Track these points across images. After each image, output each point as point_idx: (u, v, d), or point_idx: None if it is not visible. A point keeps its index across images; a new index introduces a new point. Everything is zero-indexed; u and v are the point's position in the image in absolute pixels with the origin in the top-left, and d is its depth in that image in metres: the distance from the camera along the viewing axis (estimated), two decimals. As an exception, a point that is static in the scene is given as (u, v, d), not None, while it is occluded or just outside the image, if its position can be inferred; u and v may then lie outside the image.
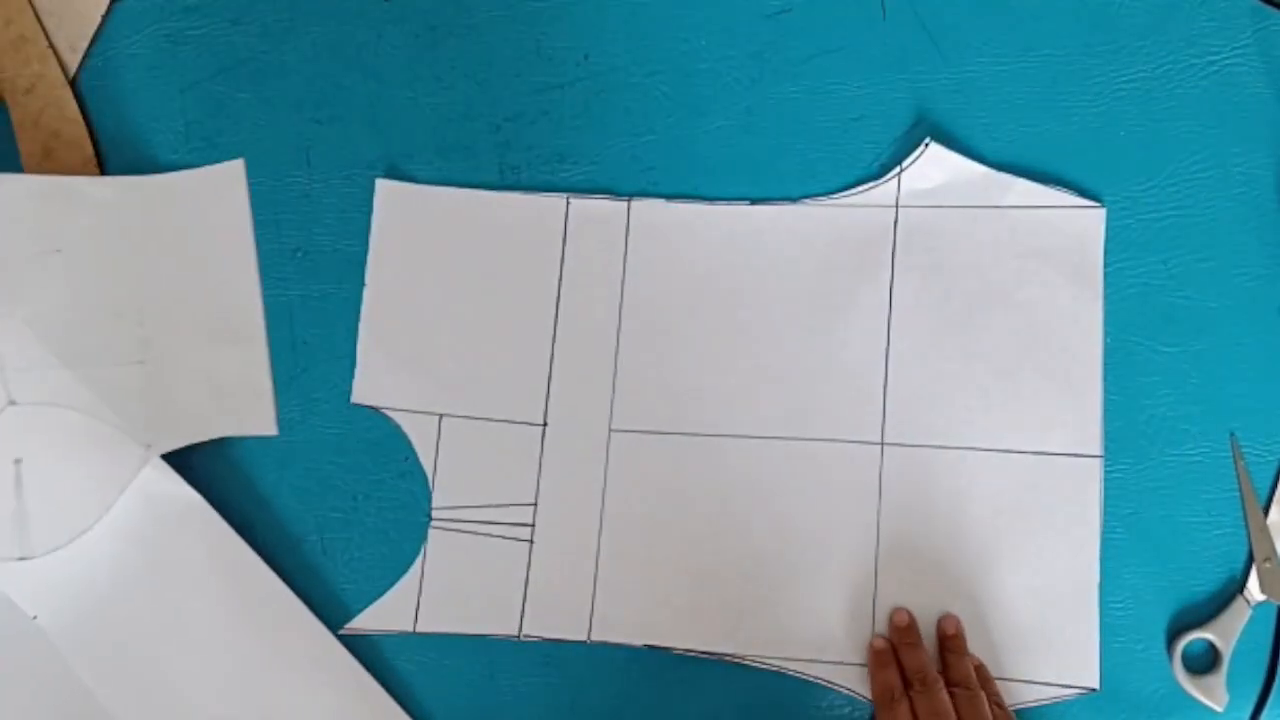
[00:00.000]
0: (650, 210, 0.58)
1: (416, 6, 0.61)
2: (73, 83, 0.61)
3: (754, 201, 0.57)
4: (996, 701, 0.50)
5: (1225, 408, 0.54)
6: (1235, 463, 0.53)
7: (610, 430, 0.56)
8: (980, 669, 0.52)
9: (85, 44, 0.61)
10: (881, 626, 0.53)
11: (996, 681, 0.52)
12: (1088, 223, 0.55)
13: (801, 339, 0.56)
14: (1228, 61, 0.56)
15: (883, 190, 0.56)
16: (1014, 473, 0.53)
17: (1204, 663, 0.53)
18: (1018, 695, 0.52)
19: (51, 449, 0.55)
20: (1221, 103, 0.55)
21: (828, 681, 0.53)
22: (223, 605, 0.55)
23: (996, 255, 0.55)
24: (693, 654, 0.54)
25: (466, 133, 0.59)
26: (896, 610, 0.53)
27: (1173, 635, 0.53)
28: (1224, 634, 0.52)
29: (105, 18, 0.62)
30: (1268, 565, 0.52)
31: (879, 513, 0.54)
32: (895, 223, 0.56)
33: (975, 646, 0.52)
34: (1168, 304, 0.55)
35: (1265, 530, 0.53)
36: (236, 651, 0.55)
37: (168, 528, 0.55)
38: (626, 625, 0.54)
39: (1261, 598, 0.52)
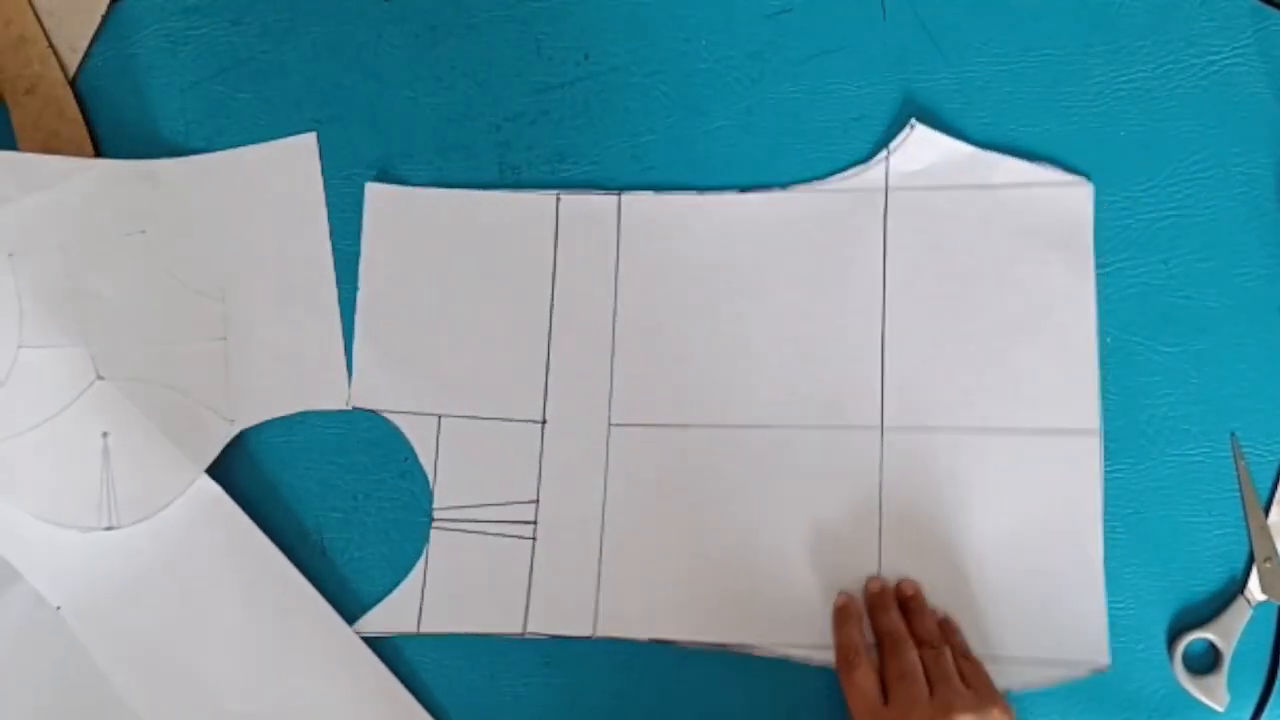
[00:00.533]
0: (640, 203, 0.58)
1: (416, 6, 0.61)
2: (73, 83, 0.61)
3: (744, 189, 0.57)
4: (963, 654, 0.50)
5: (1225, 408, 0.54)
6: (1236, 462, 0.53)
7: (610, 425, 0.56)
8: (945, 623, 0.52)
9: (85, 44, 0.61)
10: None
11: (988, 655, 0.52)
12: (1076, 198, 0.55)
13: (796, 325, 0.56)
14: (1228, 61, 0.56)
15: (871, 173, 0.56)
16: (1013, 451, 0.53)
17: (1205, 663, 0.53)
18: (1028, 676, 0.52)
19: (138, 423, 0.57)
20: (1221, 103, 0.55)
21: (836, 667, 0.53)
22: (243, 599, 0.56)
23: (987, 234, 0.55)
24: (698, 646, 0.54)
25: (466, 133, 0.59)
26: (871, 579, 0.53)
27: (1173, 635, 0.53)
28: (1225, 634, 0.52)
29: (105, 18, 0.62)
30: (1268, 565, 0.52)
31: (880, 497, 0.54)
32: (885, 205, 0.56)
33: (983, 628, 0.52)
34: (1168, 304, 0.55)
35: (1266, 530, 0.53)
36: (257, 645, 0.55)
37: (190, 520, 0.56)
38: (631, 620, 0.54)
39: (1262, 598, 0.52)
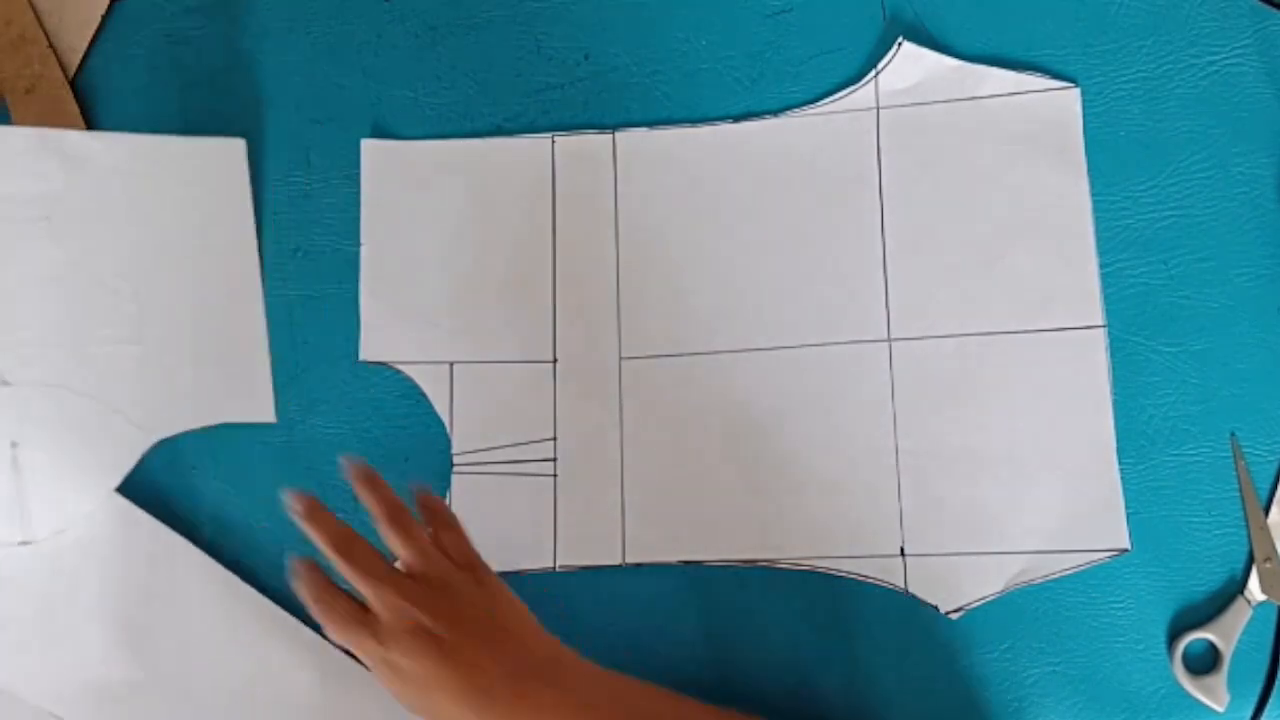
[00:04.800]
0: (635, 139, 0.58)
1: (416, 6, 0.61)
2: (73, 83, 0.61)
3: (736, 119, 0.58)
4: (458, 561, 0.47)
5: (1225, 408, 0.54)
6: (1236, 462, 0.53)
7: (620, 358, 0.57)
8: (433, 508, 0.48)
9: (85, 44, 0.61)
10: (909, 517, 0.54)
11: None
12: (1064, 103, 0.56)
13: (798, 248, 0.57)
14: (1228, 61, 0.56)
15: (861, 94, 0.57)
16: (1020, 352, 0.54)
17: (1205, 663, 0.53)
18: (1053, 565, 0.53)
19: (48, 432, 0.54)
20: (1221, 103, 0.55)
21: (861, 575, 0.54)
22: (212, 627, 0.54)
23: (979, 144, 0.56)
24: (727, 564, 0.55)
25: (467, 132, 0.59)
26: (305, 512, 0.47)
27: (1173, 635, 0.53)
28: (1225, 634, 0.52)
29: (105, 18, 0.62)
30: (1268, 565, 0.52)
31: (894, 406, 0.55)
32: (877, 123, 0.57)
33: (1004, 524, 0.53)
34: (1168, 304, 0.55)
35: (1266, 530, 0.53)
36: (229, 671, 0.54)
37: (105, 535, 0.54)
38: (659, 545, 0.55)
39: (1262, 598, 0.52)
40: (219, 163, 0.57)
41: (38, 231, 0.54)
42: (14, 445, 0.53)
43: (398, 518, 0.46)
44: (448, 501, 0.57)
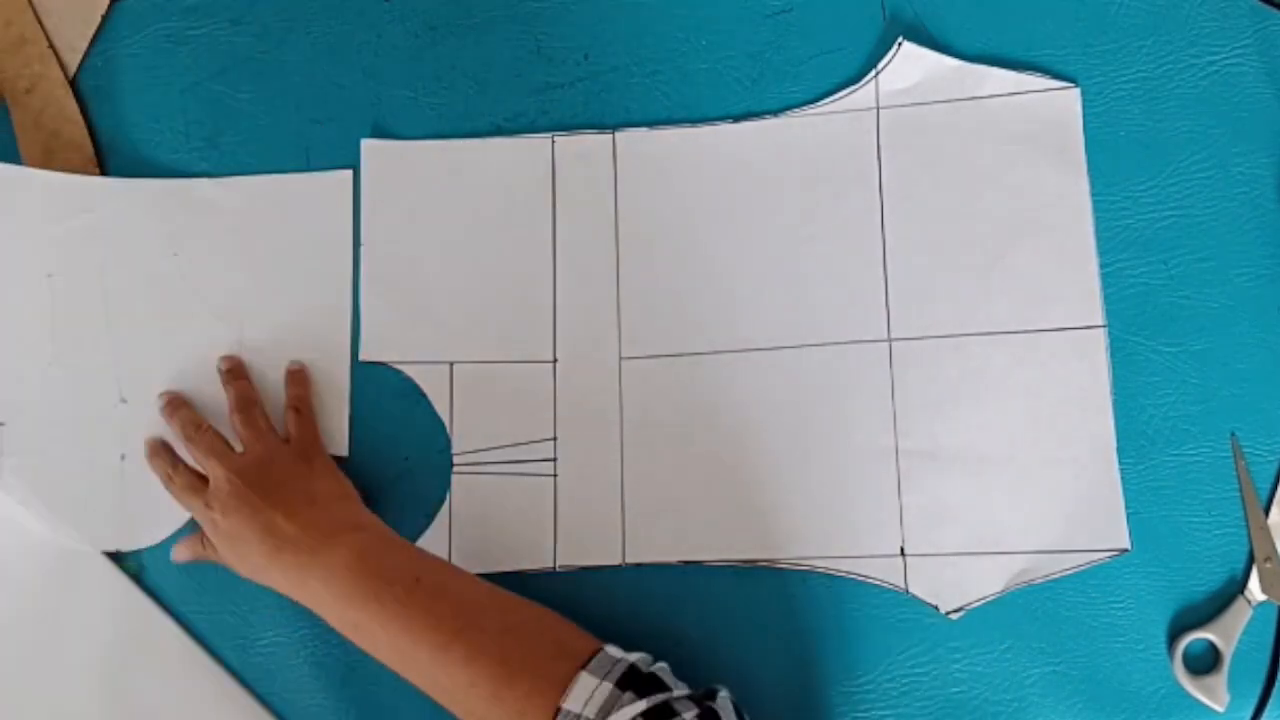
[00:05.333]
0: (635, 139, 0.58)
1: (416, 6, 0.61)
2: (73, 83, 0.61)
3: (736, 119, 0.58)
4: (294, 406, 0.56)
5: (1225, 408, 0.54)
6: (1236, 462, 0.53)
7: (620, 358, 0.57)
8: (295, 388, 0.57)
9: (85, 44, 0.61)
10: (909, 517, 0.54)
11: None
12: (1065, 103, 0.56)
13: (798, 247, 0.57)
14: (1228, 61, 0.56)
15: (862, 94, 0.57)
16: (1021, 351, 0.54)
17: (1205, 663, 0.53)
18: (1053, 565, 0.53)
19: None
20: (1221, 103, 0.55)
21: (861, 575, 0.54)
22: (117, 652, 0.56)
23: (979, 144, 0.56)
24: (727, 564, 0.54)
25: (466, 133, 0.59)
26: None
27: (1174, 635, 0.53)
28: (1225, 634, 0.52)
29: (105, 18, 0.62)
30: (1268, 565, 0.52)
31: (894, 407, 0.55)
32: (877, 124, 0.57)
33: (1006, 525, 0.53)
34: (1168, 304, 0.55)
35: (1266, 530, 0.53)
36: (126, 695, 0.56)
37: (59, 577, 0.57)
38: (658, 545, 0.55)
39: (1262, 598, 0.52)
40: (326, 196, 0.59)
41: (167, 267, 0.58)
42: (123, 458, 0.57)
43: (244, 407, 0.56)
44: (447, 502, 0.56)
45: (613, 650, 0.45)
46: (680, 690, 0.44)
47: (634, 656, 0.45)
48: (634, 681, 0.43)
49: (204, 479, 0.54)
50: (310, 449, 0.55)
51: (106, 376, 0.57)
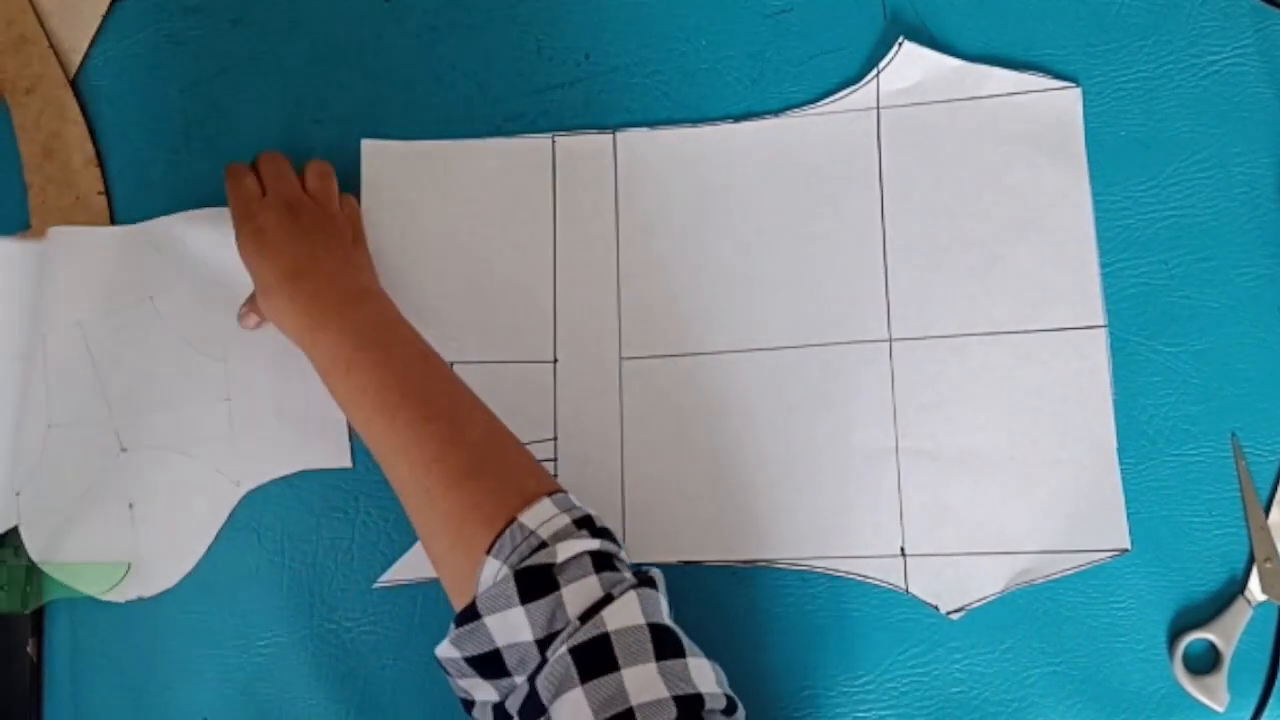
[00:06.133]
0: (636, 139, 0.58)
1: (416, 6, 0.61)
2: (73, 83, 0.61)
3: (737, 119, 0.58)
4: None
5: (1226, 408, 0.54)
6: (1236, 462, 0.53)
7: (621, 359, 0.57)
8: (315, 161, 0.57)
9: (85, 44, 0.61)
10: (909, 517, 0.54)
11: None
12: (1065, 103, 0.56)
13: (799, 247, 0.57)
14: (1228, 61, 0.56)
15: (862, 93, 0.57)
16: (1022, 352, 0.54)
17: (1205, 663, 0.53)
18: (1054, 565, 0.53)
19: (161, 492, 0.57)
20: (1221, 103, 0.55)
21: (861, 575, 0.54)
22: None
23: (980, 143, 0.56)
24: (727, 564, 0.54)
25: (466, 133, 0.59)
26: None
27: (1174, 635, 0.53)
28: (1225, 634, 0.52)
29: (105, 18, 0.62)
30: (1269, 565, 0.52)
31: (894, 406, 0.55)
32: (878, 124, 0.57)
33: (1006, 525, 0.53)
34: (1168, 304, 0.55)
35: (1266, 530, 0.53)
36: None
37: None
38: (659, 545, 0.55)
39: (1263, 598, 0.52)
40: None
41: (145, 312, 0.58)
42: (131, 506, 0.57)
43: (274, 160, 0.57)
44: None
45: (574, 498, 0.46)
46: (623, 555, 0.44)
47: (591, 510, 0.45)
48: (589, 526, 0.44)
49: (262, 187, 0.55)
50: (330, 201, 0.56)
51: (105, 429, 0.57)
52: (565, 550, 0.42)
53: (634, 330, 0.57)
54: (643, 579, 0.43)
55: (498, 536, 0.43)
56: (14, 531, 0.56)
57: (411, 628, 0.56)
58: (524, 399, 0.57)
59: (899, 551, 0.54)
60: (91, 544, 0.56)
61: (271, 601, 0.56)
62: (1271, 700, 0.52)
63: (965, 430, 0.54)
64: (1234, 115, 0.55)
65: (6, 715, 0.56)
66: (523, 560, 0.42)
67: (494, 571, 0.42)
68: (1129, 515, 0.53)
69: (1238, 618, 0.52)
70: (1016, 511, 0.54)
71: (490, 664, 0.42)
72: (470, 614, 0.42)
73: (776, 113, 0.58)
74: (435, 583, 0.56)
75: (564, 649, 0.40)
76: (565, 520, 0.43)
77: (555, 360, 0.57)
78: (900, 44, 0.56)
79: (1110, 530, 0.53)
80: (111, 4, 0.62)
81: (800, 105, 0.58)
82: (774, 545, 0.55)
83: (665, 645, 0.41)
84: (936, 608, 0.53)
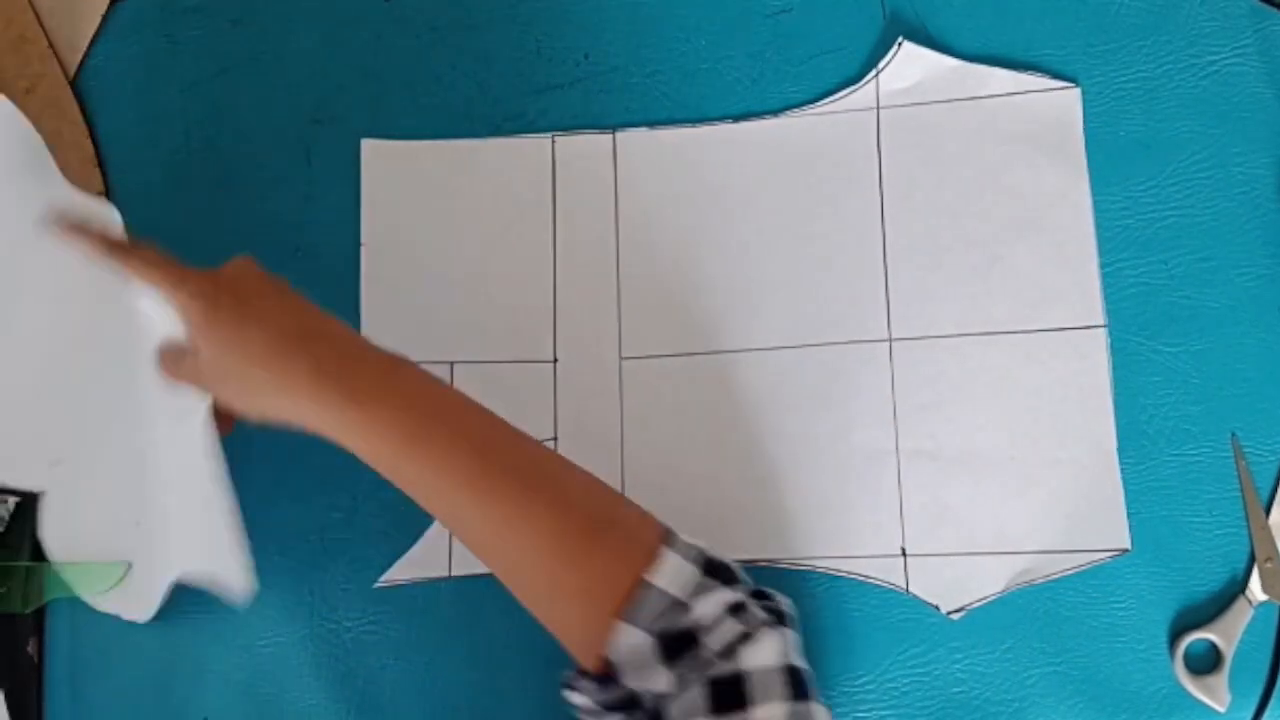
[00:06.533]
0: (635, 139, 0.58)
1: (416, 6, 0.61)
2: (73, 83, 0.61)
3: (737, 119, 0.58)
4: None
5: (1226, 408, 0.54)
6: (1236, 462, 0.53)
7: (621, 358, 0.57)
8: None
9: (85, 44, 0.61)
10: (909, 517, 0.54)
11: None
12: (1065, 103, 0.56)
13: (799, 247, 0.57)
14: (1228, 61, 0.56)
15: (862, 94, 0.57)
16: (1022, 351, 0.54)
17: (1206, 663, 0.53)
18: (1054, 565, 0.53)
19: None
20: (1221, 103, 0.55)
21: (861, 575, 0.54)
22: None
23: (980, 144, 0.56)
24: None
25: (466, 133, 0.59)
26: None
27: (1175, 635, 0.53)
28: (1226, 634, 0.52)
29: (105, 18, 0.62)
30: (1269, 565, 0.52)
31: (894, 406, 0.55)
32: (877, 124, 0.57)
33: (1007, 524, 0.53)
34: (1168, 304, 0.54)
35: (1267, 530, 0.53)
36: None
37: None
38: None
39: (1263, 598, 0.52)
40: None
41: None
42: (138, 523, 0.54)
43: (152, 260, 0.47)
44: None
45: (683, 536, 0.43)
46: (746, 583, 0.43)
47: (700, 542, 0.43)
48: (713, 568, 0.42)
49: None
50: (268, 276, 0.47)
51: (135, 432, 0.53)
52: (703, 606, 0.41)
53: (634, 330, 0.57)
54: (775, 613, 0.42)
55: (628, 599, 0.41)
56: (14, 531, 0.56)
57: (411, 628, 0.56)
58: (524, 399, 0.57)
59: (899, 551, 0.54)
60: (98, 546, 0.55)
61: (271, 601, 0.56)
62: (1272, 700, 0.52)
63: (965, 430, 0.54)
64: (1233, 115, 0.55)
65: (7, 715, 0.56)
66: (660, 621, 0.40)
67: (631, 637, 0.41)
68: (1129, 515, 0.53)
69: (1238, 618, 0.52)
70: (1016, 511, 0.54)
71: (624, 703, 0.41)
72: (609, 678, 0.41)
73: (776, 113, 0.58)
74: (436, 582, 0.56)
75: (700, 680, 0.39)
76: (692, 571, 0.42)
77: (555, 360, 0.57)
78: (900, 44, 0.56)
79: (1110, 530, 0.53)
80: (111, 4, 0.62)
81: (800, 105, 0.58)
82: (774, 545, 0.55)
83: (798, 687, 0.40)
84: (937, 608, 0.53)
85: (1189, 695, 0.52)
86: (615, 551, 0.42)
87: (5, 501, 0.56)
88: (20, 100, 0.61)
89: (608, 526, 0.43)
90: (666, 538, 0.43)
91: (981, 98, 0.56)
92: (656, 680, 0.40)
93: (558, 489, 0.43)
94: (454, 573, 0.56)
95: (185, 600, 0.57)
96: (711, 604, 0.41)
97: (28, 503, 0.56)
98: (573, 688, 0.42)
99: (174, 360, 0.47)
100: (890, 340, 0.55)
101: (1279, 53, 0.55)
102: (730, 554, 0.54)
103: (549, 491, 0.43)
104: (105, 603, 0.55)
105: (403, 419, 0.43)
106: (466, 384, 0.57)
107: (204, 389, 0.46)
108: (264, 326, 0.44)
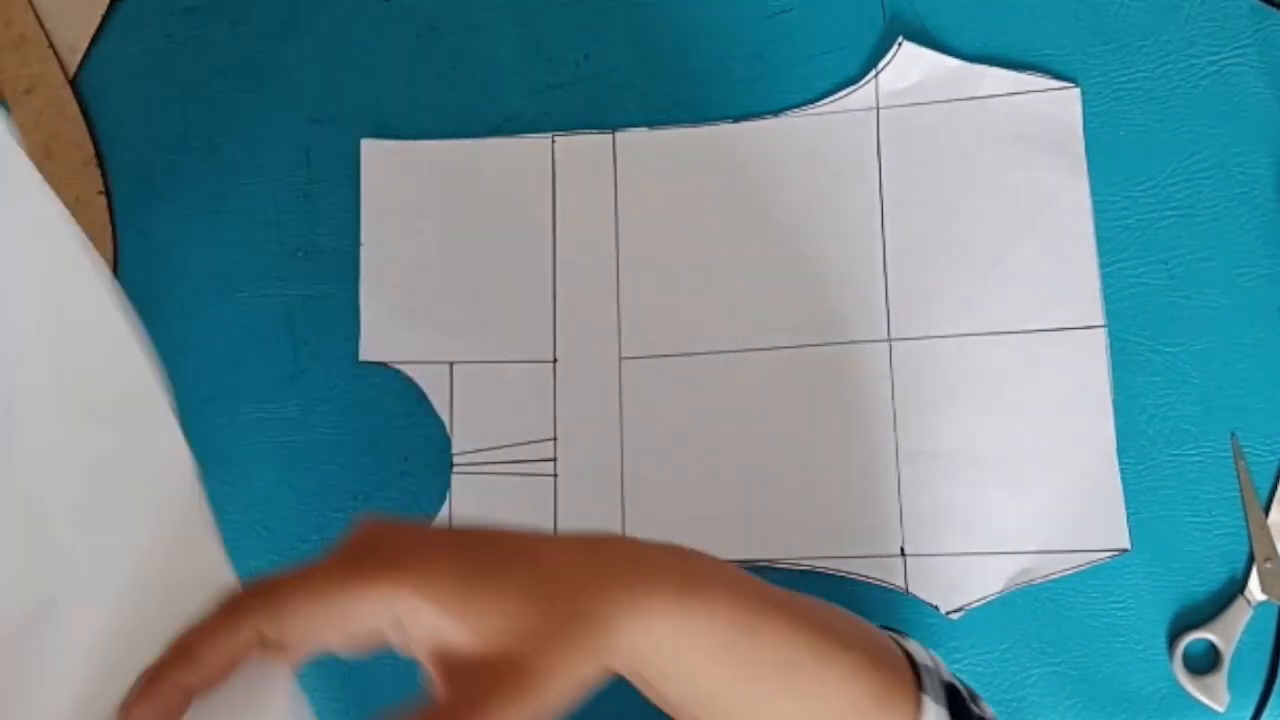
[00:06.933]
0: (635, 139, 0.58)
1: (416, 6, 0.61)
2: (73, 83, 0.61)
3: (736, 119, 0.58)
4: None
5: (1225, 407, 0.54)
6: (1236, 462, 0.53)
7: (620, 358, 0.57)
8: None
9: (85, 44, 0.61)
10: (909, 517, 0.54)
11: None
12: (1065, 103, 0.56)
13: (798, 248, 0.57)
14: (1228, 61, 0.56)
15: (861, 94, 0.57)
16: (1021, 352, 0.54)
17: (1205, 663, 0.53)
18: (1053, 565, 0.53)
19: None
20: (1221, 103, 0.55)
21: (861, 575, 0.54)
22: None
23: (980, 144, 0.56)
24: None
25: (466, 133, 0.59)
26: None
27: (1173, 635, 0.53)
28: (1225, 634, 0.52)
29: (105, 18, 0.62)
30: (1269, 565, 0.52)
31: (894, 407, 0.55)
32: (877, 123, 0.57)
33: (1005, 524, 0.53)
34: (1168, 304, 0.54)
35: (1266, 530, 0.53)
36: None
37: None
38: None
39: (1263, 598, 0.52)
40: None
41: None
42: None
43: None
44: (447, 502, 0.56)
45: (912, 647, 0.39)
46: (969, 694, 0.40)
47: (928, 658, 0.39)
48: (951, 698, 0.38)
49: None
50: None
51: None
52: None
53: (634, 330, 0.57)
54: None
55: None
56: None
57: (411, 628, 0.56)
58: (524, 399, 0.57)
59: (899, 551, 0.54)
60: None
61: (271, 601, 0.56)
62: (1272, 700, 0.52)
63: (965, 430, 0.54)
64: (1234, 115, 0.55)
65: None
66: None
67: None
68: (1129, 515, 0.53)
69: (1238, 617, 0.52)
70: (1016, 511, 0.54)
71: None
72: None
73: (776, 113, 0.58)
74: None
75: None
76: (945, 715, 0.37)
77: (555, 360, 0.57)
78: (900, 44, 0.56)
79: (1110, 530, 0.53)
80: (111, 4, 0.62)
81: (800, 105, 0.58)
82: (774, 545, 0.55)
83: None
84: (936, 608, 0.53)
85: (1188, 695, 0.52)
86: (903, 691, 0.37)
87: None
88: (20, 100, 0.61)
89: (888, 684, 0.37)
90: (908, 668, 0.38)
91: (981, 98, 0.56)
92: None
93: (849, 652, 0.36)
94: None
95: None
96: None
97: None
98: None
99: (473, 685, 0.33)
100: (890, 340, 0.55)
101: (1278, 53, 0.55)
102: (730, 554, 0.55)
103: (856, 653, 0.36)
104: None
105: (738, 598, 0.35)
106: (466, 384, 0.57)
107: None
108: (643, 578, 0.34)
